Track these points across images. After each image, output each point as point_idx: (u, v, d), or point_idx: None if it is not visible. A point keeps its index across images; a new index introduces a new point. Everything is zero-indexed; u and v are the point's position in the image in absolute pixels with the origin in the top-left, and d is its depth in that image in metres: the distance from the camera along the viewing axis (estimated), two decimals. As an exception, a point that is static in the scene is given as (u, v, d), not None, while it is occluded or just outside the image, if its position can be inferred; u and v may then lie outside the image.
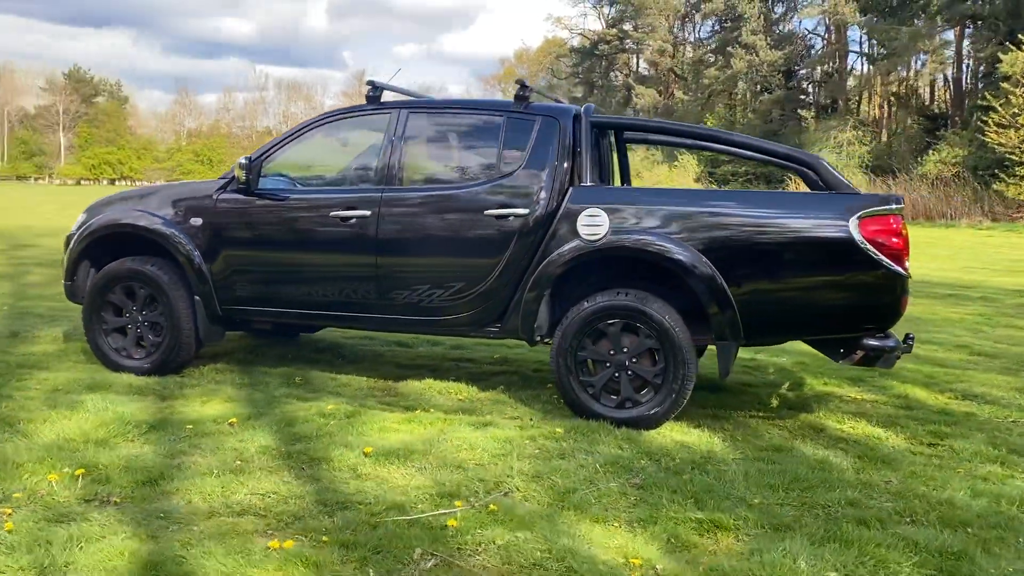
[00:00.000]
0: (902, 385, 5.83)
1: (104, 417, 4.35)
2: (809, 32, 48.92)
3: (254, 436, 4.16)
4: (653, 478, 3.74)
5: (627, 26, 54.80)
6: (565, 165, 4.73)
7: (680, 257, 4.42)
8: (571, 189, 4.71)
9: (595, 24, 58.01)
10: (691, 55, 53.12)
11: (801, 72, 47.81)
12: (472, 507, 3.36)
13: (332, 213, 4.98)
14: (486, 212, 4.75)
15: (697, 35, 54.24)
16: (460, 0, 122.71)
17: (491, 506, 3.36)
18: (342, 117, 5.36)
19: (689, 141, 6.21)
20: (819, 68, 48.06)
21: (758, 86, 46.84)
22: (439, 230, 4.85)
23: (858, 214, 4.28)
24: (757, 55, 44.47)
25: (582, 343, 4.60)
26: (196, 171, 73.95)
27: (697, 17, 52.23)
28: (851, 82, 45.57)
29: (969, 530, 3.30)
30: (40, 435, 4.05)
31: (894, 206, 4.33)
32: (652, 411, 4.48)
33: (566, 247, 4.62)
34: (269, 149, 5.27)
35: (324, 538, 3.04)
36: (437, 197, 4.93)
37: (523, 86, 4.93)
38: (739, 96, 49.20)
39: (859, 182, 31.05)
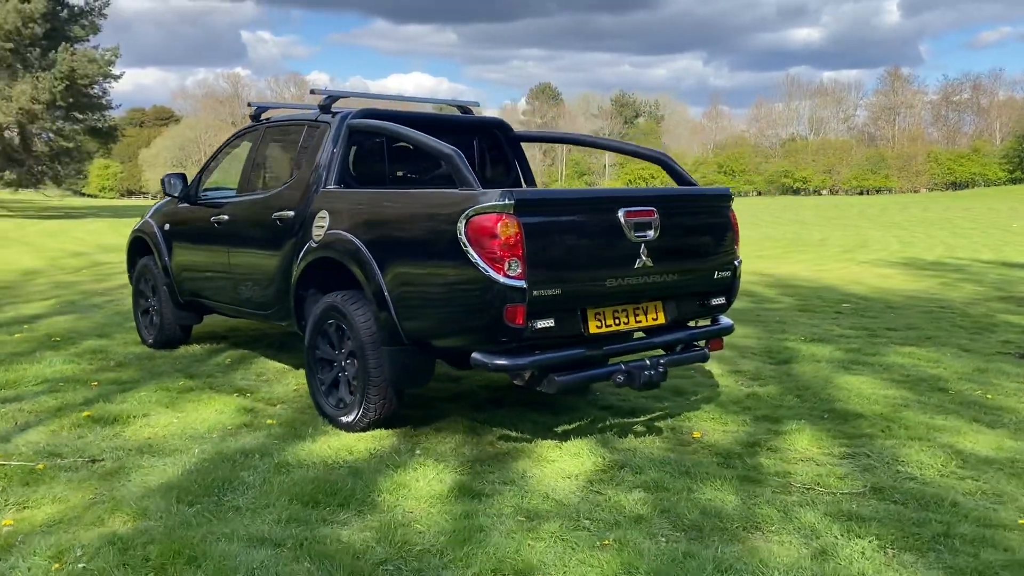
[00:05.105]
0: (806, 427, 4.57)
1: (44, 371, 5.87)
2: None
3: (82, 394, 5.26)
4: (198, 467, 3.94)
5: None
6: (321, 168, 4.88)
7: (347, 256, 4.39)
8: (319, 192, 4.84)
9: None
10: None
11: None
12: (30, 465, 4.00)
13: (212, 218, 5.83)
14: (273, 215, 5.14)
15: None
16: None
17: (40, 465, 3.96)
18: (241, 135, 6.14)
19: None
20: None
21: None
22: (252, 232, 5.38)
23: (466, 212, 3.74)
24: None
25: (316, 342, 4.74)
26: (718, 181, 72.80)
27: None
28: None
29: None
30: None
31: (501, 202, 3.66)
32: (349, 416, 4.46)
33: (303, 248, 4.80)
34: (208, 163, 6.31)
35: None
36: (253, 202, 5.46)
37: (328, 96, 5.16)
38: None
39: None
